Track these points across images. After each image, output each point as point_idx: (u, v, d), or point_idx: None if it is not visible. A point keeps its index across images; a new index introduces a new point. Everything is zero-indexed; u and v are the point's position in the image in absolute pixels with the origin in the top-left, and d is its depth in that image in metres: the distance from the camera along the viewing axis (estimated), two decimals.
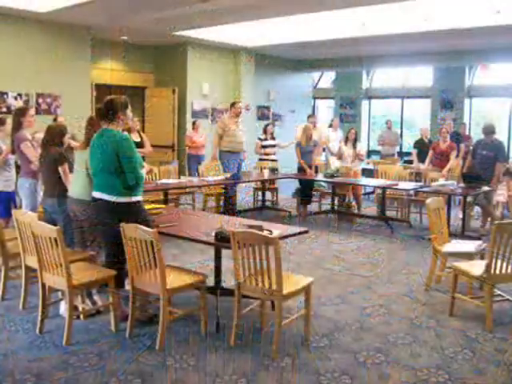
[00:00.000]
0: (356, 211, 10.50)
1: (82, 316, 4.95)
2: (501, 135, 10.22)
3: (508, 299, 5.30)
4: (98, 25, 11.44)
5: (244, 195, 11.44)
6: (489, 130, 9.02)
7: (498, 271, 4.88)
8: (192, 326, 4.83)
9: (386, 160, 13.61)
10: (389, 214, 10.12)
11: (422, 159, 11.23)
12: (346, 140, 10.65)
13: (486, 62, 15.22)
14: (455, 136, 11.93)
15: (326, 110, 21.62)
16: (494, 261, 4.85)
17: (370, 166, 13.23)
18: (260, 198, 11.02)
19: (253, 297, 4.56)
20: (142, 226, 4.30)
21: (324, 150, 12.88)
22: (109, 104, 4.70)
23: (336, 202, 10.49)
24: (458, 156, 10.96)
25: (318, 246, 8.12)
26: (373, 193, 12.20)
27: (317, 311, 5.27)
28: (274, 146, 11.52)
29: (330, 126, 12.92)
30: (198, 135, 12.52)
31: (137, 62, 14.32)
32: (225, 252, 5.02)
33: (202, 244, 5.13)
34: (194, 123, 12.68)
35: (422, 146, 11.76)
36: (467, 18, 10.33)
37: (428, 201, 6.03)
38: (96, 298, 5.12)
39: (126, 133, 4.88)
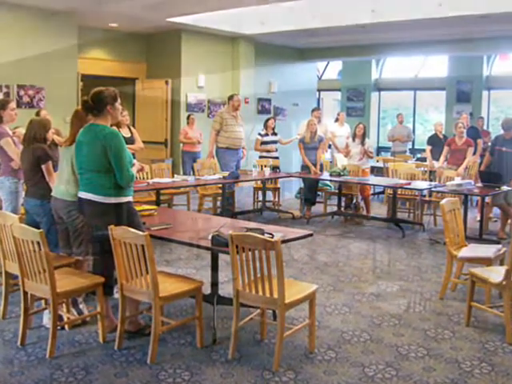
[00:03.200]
0: (364, 213, 10.51)
1: (66, 326, 4.95)
2: None
3: None
4: (85, 11, 11.43)
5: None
6: (509, 125, 9.02)
7: None
8: (186, 338, 4.83)
9: (397, 157, 13.62)
10: (400, 215, 10.13)
11: (436, 156, 11.23)
12: (354, 136, 10.65)
13: (505, 50, 15.23)
14: (472, 131, 11.93)
15: (331, 102, 21.67)
16: None
17: (380, 164, 13.24)
18: (260, 198, 11.01)
19: (252, 306, 4.55)
20: (132, 229, 4.30)
21: (330, 146, 12.89)
22: (96, 96, 4.69)
23: (343, 203, 10.49)
24: (475, 153, 10.96)
25: (324, 250, 8.13)
26: (383, 193, 12.22)
27: (322, 321, 5.27)
28: (275, 142, 11.51)
29: (337, 120, 12.92)
30: (194, 130, 12.54)
31: (127, 51, 14.32)
32: (223, 257, 5.02)
33: (198, 248, 5.14)
34: (188, 117, 12.71)
35: (436, 142, 11.76)
36: (484, 4, 10.33)
37: (442, 202, 6.04)
38: (82, 306, 5.12)
39: (115, 128, 4.87)
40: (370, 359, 4.48)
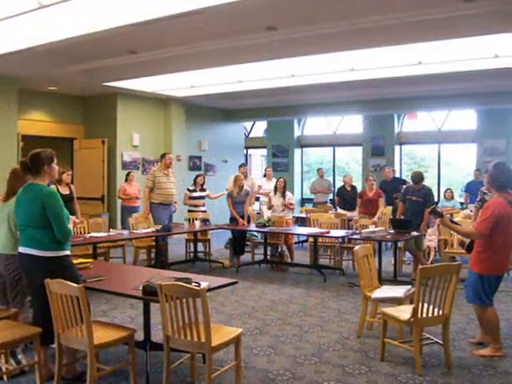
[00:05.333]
0: (289, 260, 10.67)
1: (5, 377, 4.84)
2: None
3: (437, 342, 5.45)
4: (25, 75, 11.40)
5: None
6: (417, 178, 9.31)
7: (424, 315, 5.07)
8: (122, 382, 4.80)
9: (318, 208, 13.88)
10: (322, 261, 10.31)
11: (343, 206, 12.04)
12: (275, 190, 10.90)
13: (412, 110, 15.83)
14: (397, 180, 12.59)
15: (259, 158, 21.98)
16: (420, 305, 5.03)
17: (303, 214, 13.47)
18: (192, 249, 11.04)
19: (183, 350, 4.58)
20: (66, 282, 4.30)
21: (258, 199, 13.06)
22: (34, 158, 4.72)
23: (269, 251, 10.62)
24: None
25: (251, 296, 8.19)
26: (306, 241, 12.40)
27: (249, 362, 5.32)
28: (203, 197, 11.64)
29: (265, 175, 13.15)
30: (132, 186, 12.52)
31: (66, 113, 14.28)
32: (157, 305, 5.05)
33: (131, 298, 5.14)
34: (128, 174, 12.66)
35: (343, 193, 12.24)
36: (393, 69, 10.78)
37: (356, 248, 6.21)
38: (21, 357, 5.03)
39: (53, 187, 4.90)
40: None
